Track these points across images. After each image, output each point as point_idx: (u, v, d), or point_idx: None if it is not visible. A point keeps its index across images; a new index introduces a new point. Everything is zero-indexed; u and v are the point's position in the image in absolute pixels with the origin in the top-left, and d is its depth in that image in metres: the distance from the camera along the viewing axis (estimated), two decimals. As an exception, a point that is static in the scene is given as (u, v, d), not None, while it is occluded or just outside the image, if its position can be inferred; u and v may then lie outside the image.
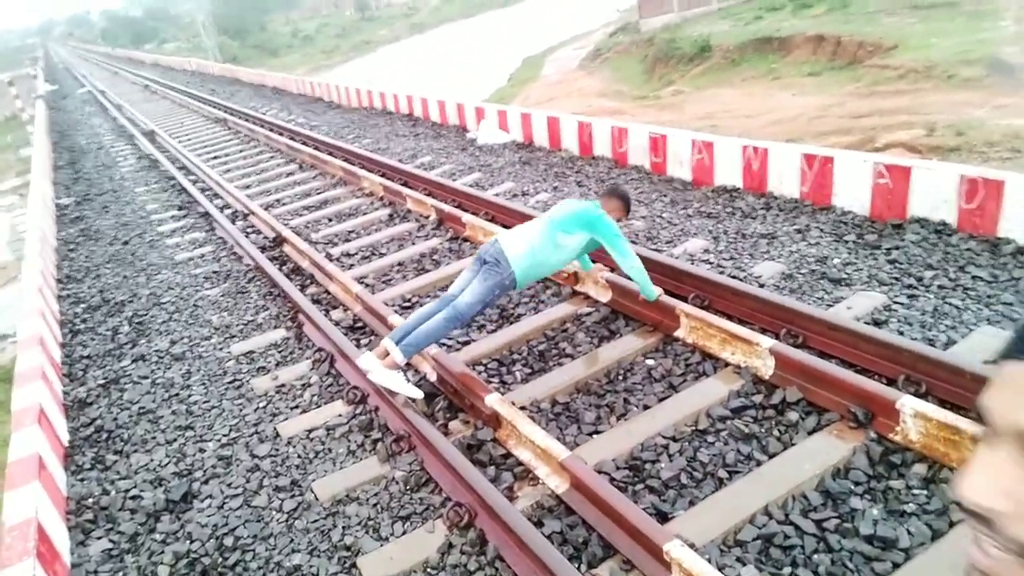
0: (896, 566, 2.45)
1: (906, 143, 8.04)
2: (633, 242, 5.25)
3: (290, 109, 15.57)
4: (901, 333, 3.67)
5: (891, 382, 3.26)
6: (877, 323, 3.82)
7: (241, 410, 4.09)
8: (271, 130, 12.71)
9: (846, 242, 4.89)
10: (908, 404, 2.93)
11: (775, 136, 7.34)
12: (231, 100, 18.00)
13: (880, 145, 8.35)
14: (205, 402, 4.25)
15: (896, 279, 4.29)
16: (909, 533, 2.55)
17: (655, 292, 4.05)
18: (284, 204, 8.29)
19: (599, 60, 16.36)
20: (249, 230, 7.47)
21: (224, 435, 3.86)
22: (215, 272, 6.47)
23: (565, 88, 14.60)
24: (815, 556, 2.54)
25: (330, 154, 9.92)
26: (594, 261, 4.58)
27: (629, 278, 4.06)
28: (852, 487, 2.80)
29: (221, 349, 4.91)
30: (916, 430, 2.91)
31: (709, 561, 2.47)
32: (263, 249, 6.65)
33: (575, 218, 3.88)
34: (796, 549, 2.58)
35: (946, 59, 10.48)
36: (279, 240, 6.74)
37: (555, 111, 9.37)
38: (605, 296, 4.54)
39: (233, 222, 7.79)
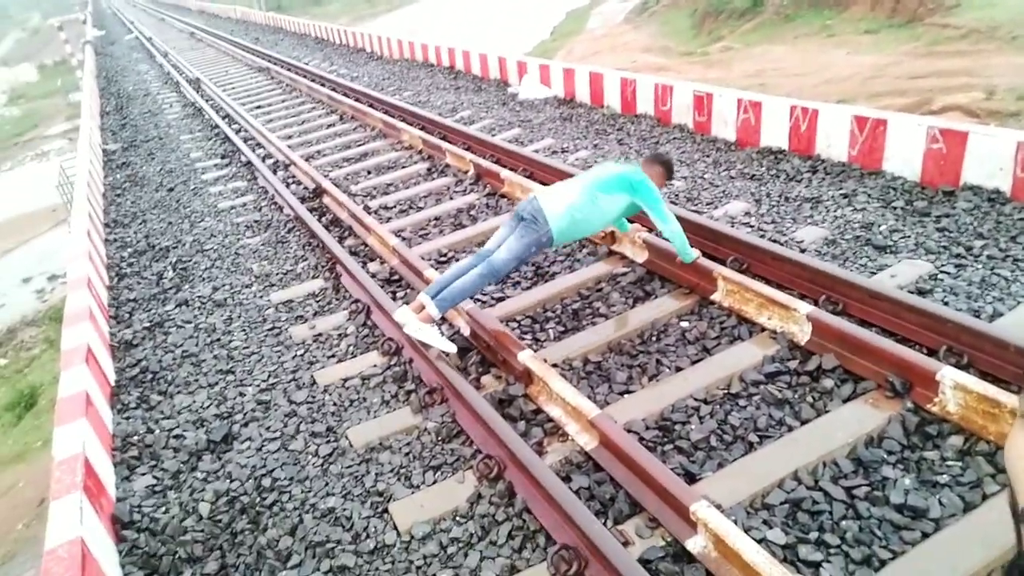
0: (925, 535, 2.44)
1: (964, 106, 7.72)
2: (673, 203, 5.19)
3: (332, 59, 15.53)
4: (946, 303, 3.57)
5: (932, 352, 3.20)
6: (921, 292, 3.73)
7: (280, 357, 4.19)
8: (313, 80, 12.72)
9: (894, 208, 4.75)
10: (948, 375, 2.87)
11: (827, 96, 7.10)
12: (274, 49, 18.01)
13: (936, 108, 8.03)
14: (245, 348, 4.36)
15: (944, 248, 4.16)
16: (941, 504, 2.53)
17: (693, 254, 4.01)
18: (324, 155, 8.33)
19: (646, 14, 15.90)
20: (290, 180, 7.54)
21: (263, 380, 3.97)
22: (256, 221, 6.58)
23: (610, 43, 14.27)
24: (843, 523, 2.53)
25: (371, 106, 9.90)
26: (631, 221, 4.53)
27: (668, 240, 4.02)
28: (885, 456, 2.78)
29: (261, 297, 5.01)
30: (955, 402, 2.85)
31: (735, 523, 2.49)
32: (303, 200, 6.72)
33: (617, 180, 3.83)
34: (824, 515, 2.58)
35: (1011, 19, 9.95)
36: (319, 191, 6.80)
37: (598, 67, 9.17)
38: (641, 256, 4.50)
39: (275, 172, 7.87)
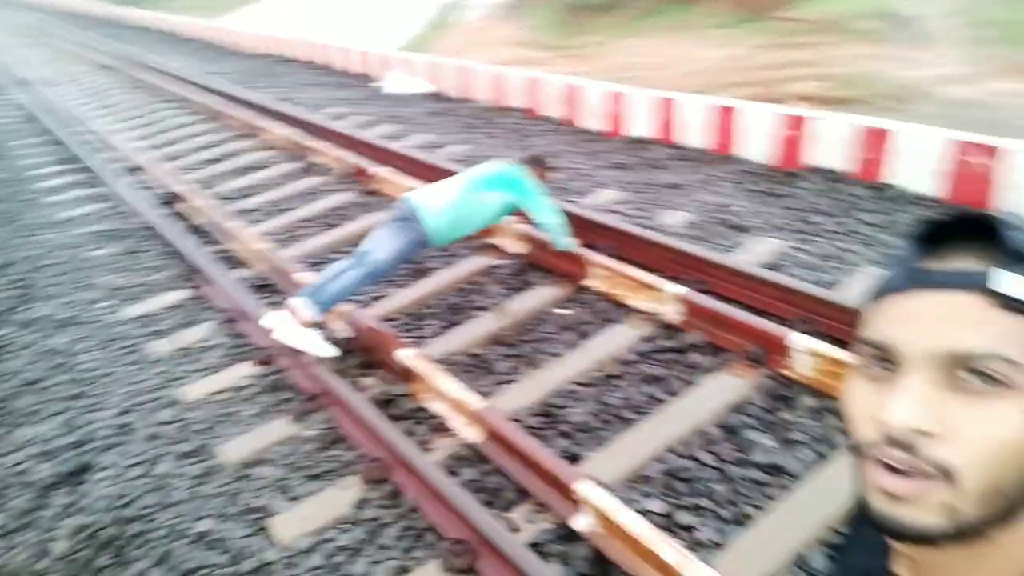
0: (786, 490, 2.61)
1: (806, 95, 8.32)
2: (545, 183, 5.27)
3: (187, 55, 14.66)
4: (795, 276, 3.85)
5: (785, 322, 3.43)
6: (774, 267, 4.00)
7: (138, 376, 3.90)
8: (164, 78, 11.95)
9: (747, 190, 5.07)
10: (800, 342, 3.09)
11: (686, 87, 7.46)
12: (120, 45, 16.75)
13: (782, 97, 8.63)
14: (97, 369, 4.03)
15: (791, 225, 4.48)
16: (799, 460, 2.72)
17: (569, 242, 4.09)
18: (181, 157, 7.85)
19: (518, 8, 16.10)
20: (141, 186, 7.04)
21: (120, 403, 3.67)
22: (105, 232, 6.09)
23: (482, 36, 14.32)
24: (715, 485, 2.67)
25: (230, 104, 9.43)
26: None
27: (547, 231, 4.08)
28: (748, 420, 2.96)
29: (114, 313, 4.65)
30: (807, 366, 3.08)
31: (618, 497, 2.56)
32: (158, 206, 6.30)
33: (496, 178, 3.84)
34: (697, 481, 2.71)
35: (850, 13, 10.87)
36: (175, 196, 6.40)
37: (467, 60, 9.19)
38: (517, 248, 4.55)
39: (124, 178, 7.32)
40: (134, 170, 7.50)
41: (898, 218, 4.38)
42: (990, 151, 4.24)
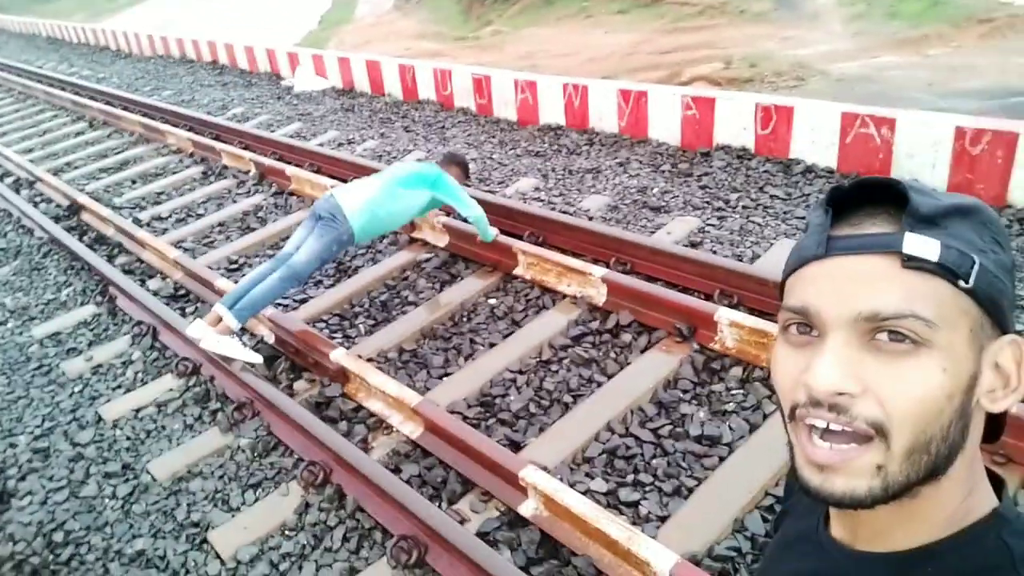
0: (722, 459, 2.73)
1: (707, 76, 8.60)
2: (467, 185, 5.28)
3: (71, 60, 13.84)
4: (714, 252, 4.00)
5: (708, 297, 3.57)
6: (693, 244, 4.14)
7: (54, 397, 3.70)
8: (51, 85, 11.25)
9: (662, 172, 5.21)
10: (723, 315, 3.22)
11: (592, 74, 7.58)
12: (-5, 51, 15.64)
13: (686, 79, 8.89)
14: (9, 393, 3.79)
15: (707, 203, 4.65)
16: (731, 429, 2.84)
17: (492, 233, 4.12)
18: (77, 168, 7.42)
19: (415, 1, 15.92)
20: (38, 199, 6.63)
21: (37, 426, 3.47)
22: (3, 249, 5.71)
23: (381, 30, 14.09)
24: (654, 461, 2.76)
25: (125, 109, 8.97)
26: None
27: (467, 222, 4.10)
28: (681, 395, 3.07)
29: (21, 334, 4.38)
30: (731, 338, 3.21)
31: (561, 480, 2.61)
32: (57, 219, 5.95)
33: (416, 177, 3.86)
34: (637, 458, 2.79)
35: (739, -5, 11.27)
36: (76, 208, 6.05)
37: (375, 55, 9.05)
38: (443, 241, 4.54)
39: (17, 192, 6.87)
40: (31, 183, 7.04)
41: (806, 191, 4.61)
42: (882, 122, 4.52)
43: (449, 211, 4.41)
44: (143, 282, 4.74)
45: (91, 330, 4.30)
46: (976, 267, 0.57)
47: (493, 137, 6.49)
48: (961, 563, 0.60)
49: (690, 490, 2.62)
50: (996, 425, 0.65)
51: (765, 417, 2.88)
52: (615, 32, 11.47)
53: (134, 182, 6.72)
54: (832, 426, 0.58)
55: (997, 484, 0.66)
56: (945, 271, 0.56)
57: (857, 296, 0.58)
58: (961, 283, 0.57)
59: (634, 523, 2.50)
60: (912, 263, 0.57)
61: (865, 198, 0.61)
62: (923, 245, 0.57)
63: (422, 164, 3.99)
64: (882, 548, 0.64)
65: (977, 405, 0.60)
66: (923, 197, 0.58)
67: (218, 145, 6.83)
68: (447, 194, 3.90)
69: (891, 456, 0.57)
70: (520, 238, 4.31)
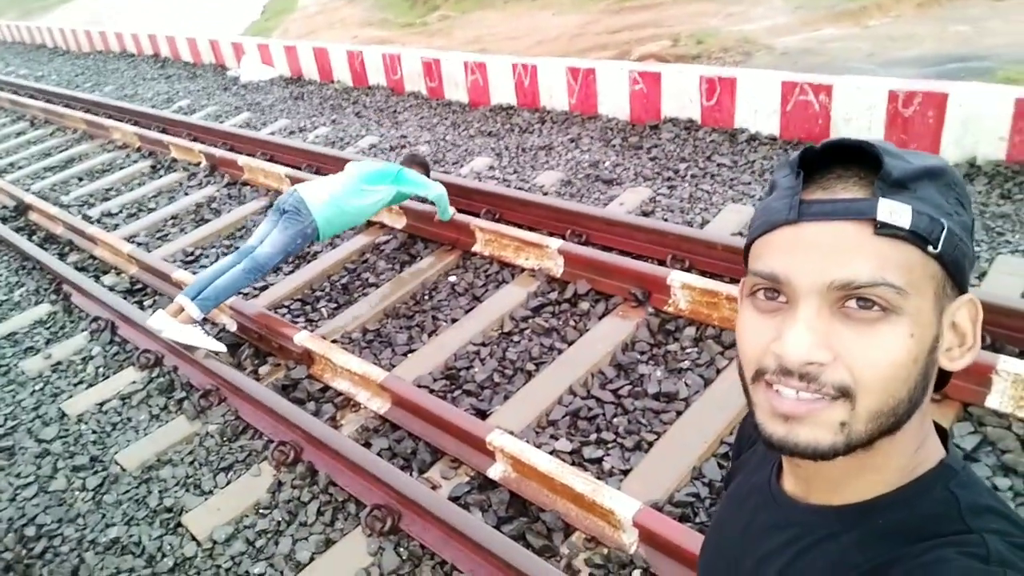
0: (679, 414, 2.85)
1: (656, 54, 8.72)
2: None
3: (5, 59, 13.37)
4: (665, 219, 4.12)
5: (661, 263, 3.69)
6: (645, 214, 4.26)
7: (15, 396, 3.66)
8: (-15, 84, 10.87)
9: (613, 146, 5.32)
10: (676, 278, 3.34)
11: (541, 55, 7.64)
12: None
13: (635, 58, 9.00)
14: (-33, 395, 3.74)
15: (657, 174, 4.77)
16: (687, 385, 2.97)
17: (451, 212, 4.18)
18: (20, 168, 7.23)
19: (359, -12, 15.73)
20: (-19, 201, 6.45)
21: (0, 425, 3.44)
22: (-55, 253, 5.56)
23: (326, 19, 13.90)
24: (615, 420, 2.87)
25: (66, 106, 8.74)
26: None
27: (433, 204, 4.15)
28: (639, 356, 3.18)
29: (-26, 336, 4.30)
30: (684, 299, 3.34)
31: (527, 443, 2.71)
32: (4, 220, 5.81)
33: (380, 174, 3.95)
34: (599, 418, 2.90)
35: (681, -27, 11.40)
36: (22, 208, 5.92)
37: (322, 42, 8.96)
38: (400, 222, 4.58)
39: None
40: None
41: (751, 158, 4.76)
42: (820, 89, 4.69)
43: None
44: (97, 278, 4.68)
45: (48, 328, 4.25)
46: (944, 232, 0.57)
47: (445, 119, 6.52)
48: (910, 514, 0.61)
49: (650, 444, 2.73)
50: (944, 374, 0.65)
51: (719, 372, 3.01)
52: (563, 13, 11.52)
53: (81, 179, 6.59)
54: (801, 395, 0.59)
55: (942, 435, 0.67)
56: (916, 237, 0.56)
57: (830, 265, 0.57)
58: (930, 248, 0.57)
59: (598, 478, 2.60)
60: (884, 230, 0.56)
61: (836, 160, 0.60)
62: (896, 211, 0.56)
63: (386, 164, 4.10)
64: (834, 501, 0.66)
65: (935, 364, 0.61)
66: (895, 160, 0.58)
67: (166, 138, 6.72)
68: (410, 185, 3.99)
69: (855, 416, 0.58)
70: (477, 215, 4.37)
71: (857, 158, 0.60)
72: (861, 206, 0.57)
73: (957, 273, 0.60)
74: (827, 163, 0.61)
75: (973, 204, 3.84)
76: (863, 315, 0.57)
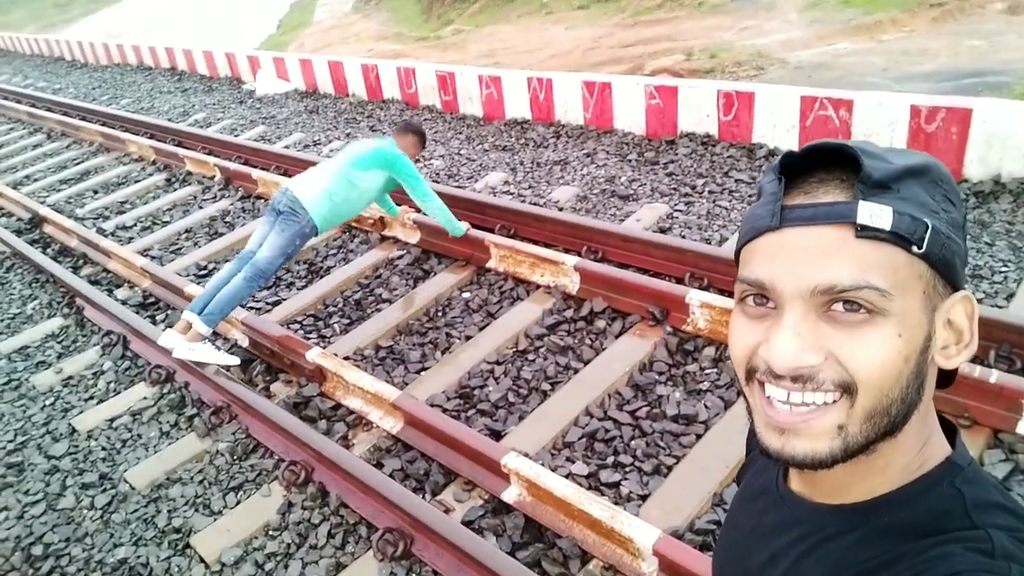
0: (699, 437, 2.78)
1: (669, 68, 8.69)
2: (436, 181, 5.30)
3: (24, 72, 13.54)
4: (683, 236, 4.06)
5: (679, 280, 3.62)
6: (663, 230, 4.20)
7: (25, 411, 3.63)
8: (5, 98, 10.99)
9: (629, 161, 5.27)
10: (695, 297, 3.28)
11: (555, 70, 7.63)
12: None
13: (648, 72, 8.98)
14: (-23, 410, 3.72)
15: (674, 189, 4.71)
16: (706, 407, 2.89)
17: (462, 228, 4.12)
18: (36, 180, 7.28)
19: (374, 2, 15.85)
20: (0, 213, 6.50)
21: (9, 441, 3.41)
22: (-39, 265, 5.58)
23: (341, 33, 13.99)
24: (632, 442, 2.80)
25: (83, 119, 8.81)
26: (398, 204, 4.54)
27: (432, 215, 4.07)
28: (657, 377, 3.11)
29: (-13, 349, 4.29)
30: (703, 318, 3.27)
31: (543, 465, 2.64)
32: (19, 233, 5.83)
33: (371, 156, 3.78)
34: (616, 440, 2.83)
35: (696, -13, 11.40)
36: (37, 220, 5.94)
37: (337, 56, 9.00)
38: (414, 237, 4.54)
39: (-26, 206, 6.71)
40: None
41: (768, 175, 4.70)
42: (840, 104, 4.62)
43: (419, 208, 4.39)
44: (110, 292, 4.67)
45: (59, 342, 4.23)
46: (929, 232, 0.57)
47: (460, 133, 6.50)
48: (915, 511, 0.61)
49: (669, 468, 2.66)
50: (949, 372, 0.65)
51: (739, 394, 2.93)
52: (576, 28, 11.53)
53: (96, 192, 6.61)
54: (792, 396, 0.59)
55: (950, 432, 0.67)
56: (898, 239, 0.56)
57: (812, 270, 0.57)
58: (915, 248, 0.57)
59: (616, 503, 2.53)
60: (865, 233, 0.56)
61: (818, 163, 0.60)
62: (876, 214, 0.56)
63: (377, 142, 3.88)
64: (840, 500, 0.66)
65: (932, 362, 0.61)
66: (875, 161, 0.58)
67: (181, 151, 6.74)
68: (403, 175, 3.81)
69: (853, 416, 0.58)
70: (492, 231, 4.33)
71: (839, 160, 0.59)
72: (841, 209, 0.57)
73: (947, 271, 0.59)
74: (810, 167, 0.61)
75: (998, 223, 3.78)
76: (849, 318, 0.57)
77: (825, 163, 0.60)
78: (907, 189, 0.58)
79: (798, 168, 0.61)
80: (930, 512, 0.61)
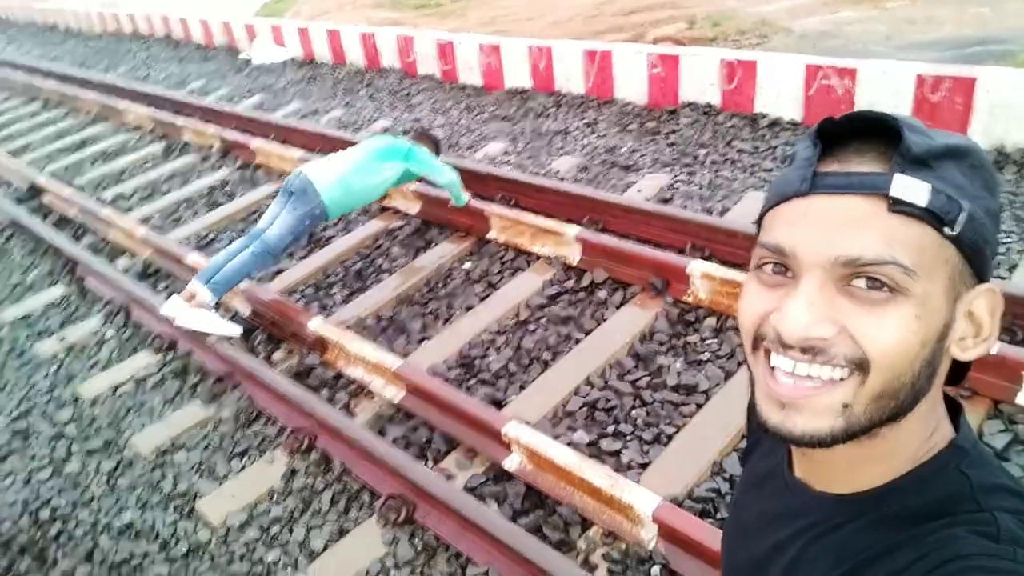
0: (699, 406, 2.80)
1: (672, 36, 8.58)
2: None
3: (18, 40, 13.37)
4: (684, 207, 4.05)
5: (680, 251, 3.62)
6: (664, 200, 4.18)
7: (29, 379, 3.66)
8: (2, 66, 10.86)
9: (630, 131, 5.23)
10: (696, 268, 3.28)
11: (556, 38, 7.54)
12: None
13: (650, 40, 8.87)
14: (-19, 378, 3.74)
15: (676, 159, 4.69)
16: (707, 378, 2.91)
17: (465, 198, 4.12)
18: (34, 149, 7.23)
19: (372, -32, 15.58)
20: (-4, 182, 6.46)
21: (14, 408, 3.45)
22: (-40, 234, 5.57)
23: (338, 0, 13.80)
24: (633, 411, 2.83)
25: (80, 87, 8.72)
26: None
27: (445, 189, 4.08)
28: (657, 347, 3.13)
29: (-10, 318, 4.31)
30: (704, 289, 3.28)
31: (544, 434, 2.66)
32: (19, 201, 5.81)
33: (391, 150, 3.88)
34: (616, 409, 2.86)
35: (698, -46, 11.20)
36: (36, 189, 5.91)
37: (335, 23, 8.88)
38: (414, 208, 4.53)
39: (-28, 175, 6.68)
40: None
41: (772, 143, 4.66)
42: (844, 73, 4.58)
43: (419, 178, 4.39)
44: (111, 261, 4.67)
45: (62, 311, 4.24)
46: (964, 214, 0.55)
47: (459, 103, 6.44)
48: (922, 498, 0.60)
49: (669, 437, 2.69)
50: (961, 367, 0.63)
51: (739, 364, 2.95)
52: (577, -6, 11.33)
53: (94, 161, 6.57)
54: (799, 368, 0.57)
55: (954, 411, 0.65)
56: (932, 217, 0.54)
57: (837, 239, 0.55)
58: (947, 230, 0.55)
59: (616, 471, 2.56)
60: (899, 207, 0.54)
61: (856, 132, 0.58)
62: (912, 188, 0.54)
63: (395, 139, 4.01)
64: (843, 489, 0.65)
65: (947, 352, 0.59)
66: (916, 135, 0.55)
67: (179, 120, 6.69)
68: (420, 165, 3.92)
69: (860, 395, 0.56)
70: (492, 201, 4.31)
71: (879, 132, 0.57)
72: (876, 180, 0.55)
73: (976, 259, 0.57)
74: (849, 136, 0.58)
75: (1001, 194, 3.76)
76: (869, 295, 0.55)
77: (864, 133, 0.58)
78: (945, 169, 0.55)
79: (836, 136, 0.59)
80: (936, 497, 0.60)
